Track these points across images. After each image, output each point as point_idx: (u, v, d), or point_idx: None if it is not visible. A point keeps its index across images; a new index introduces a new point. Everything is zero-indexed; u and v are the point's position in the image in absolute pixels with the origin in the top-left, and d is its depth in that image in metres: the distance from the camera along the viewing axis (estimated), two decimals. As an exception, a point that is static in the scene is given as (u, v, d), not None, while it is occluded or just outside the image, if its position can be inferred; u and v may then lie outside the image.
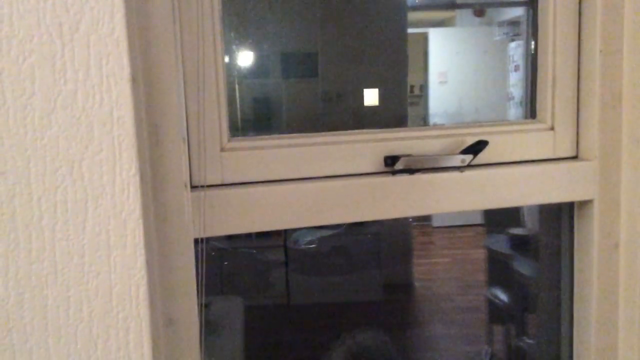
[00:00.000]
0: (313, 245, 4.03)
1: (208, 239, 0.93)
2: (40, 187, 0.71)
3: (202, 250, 0.89)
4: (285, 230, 4.03)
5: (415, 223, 3.97)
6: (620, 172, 1.05)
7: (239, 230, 0.91)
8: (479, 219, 3.21)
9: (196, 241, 0.89)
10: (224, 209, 0.90)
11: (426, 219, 4.02)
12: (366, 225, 3.98)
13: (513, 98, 4.04)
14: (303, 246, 4.04)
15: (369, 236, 4.00)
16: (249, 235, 3.62)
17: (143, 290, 0.75)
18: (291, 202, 0.93)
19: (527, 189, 1.02)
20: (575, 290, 1.17)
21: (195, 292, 0.89)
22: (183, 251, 0.87)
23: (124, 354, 0.76)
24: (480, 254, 3.22)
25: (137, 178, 0.73)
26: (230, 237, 3.49)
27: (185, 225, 0.86)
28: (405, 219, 4.11)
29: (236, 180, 0.92)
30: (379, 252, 3.82)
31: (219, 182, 0.92)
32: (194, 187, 0.90)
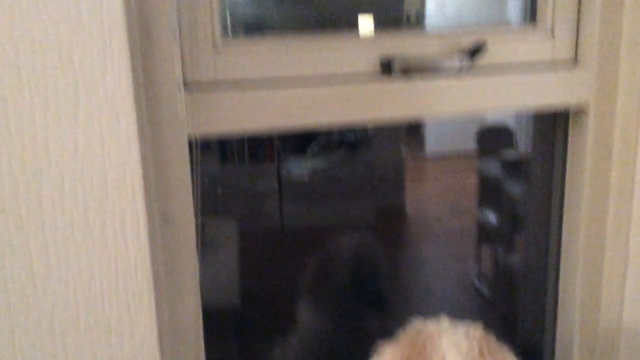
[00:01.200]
0: (306, 175, 4.05)
1: (202, 148, 0.92)
2: (30, 75, 0.70)
3: (196, 149, 0.89)
4: (279, 160, 4.04)
5: (408, 151, 3.98)
6: (617, 78, 1.04)
7: (233, 130, 0.91)
8: (472, 147, 3.21)
9: (190, 141, 0.88)
10: (217, 109, 0.89)
11: (419, 146, 4.01)
12: (359, 154, 3.99)
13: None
14: (296, 175, 4.06)
15: (362, 165, 4.02)
16: (241, 161, 3.63)
17: (138, 180, 0.75)
18: (286, 103, 0.92)
19: (524, 94, 1.02)
20: (566, 199, 1.18)
21: (191, 190, 0.90)
22: (177, 149, 0.87)
23: (121, 244, 0.77)
24: (472, 182, 3.25)
25: (129, 67, 0.72)
26: (223, 161, 3.49)
27: (179, 124, 0.86)
28: (398, 148, 4.12)
29: (230, 80, 0.91)
30: (372, 180, 3.85)
31: (212, 81, 0.90)
32: (187, 86, 0.89)
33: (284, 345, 1.57)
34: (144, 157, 0.76)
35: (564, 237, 1.21)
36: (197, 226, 0.91)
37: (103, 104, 0.72)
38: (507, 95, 1.01)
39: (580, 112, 1.08)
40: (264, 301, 2.19)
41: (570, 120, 1.12)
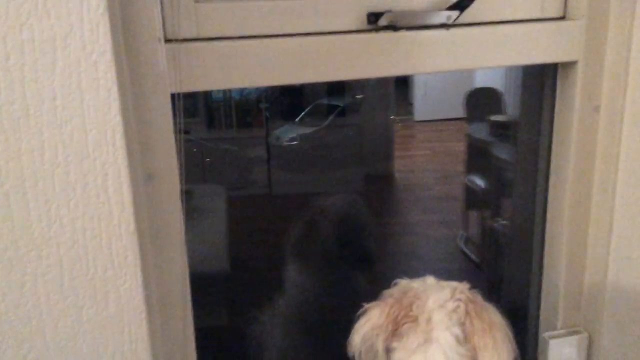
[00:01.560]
0: (295, 142, 4.03)
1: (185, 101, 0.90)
2: (5, 27, 0.68)
3: (179, 104, 0.87)
4: (267, 127, 4.01)
5: (397, 117, 3.96)
6: (606, 33, 1.03)
7: (215, 85, 0.89)
8: (460, 113, 3.20)
9: (172, 96, 0.87)
10: (199, 64, 0.87)
11: (408, 112, 4.01)
12: (348, 121, 3.97)
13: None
14: (285, 143, 4.05)
15: (350, 132, 4.01)
16: (229, 126, 3.61)
17: (119, 136, 0.74)
18: (270, 57, 0.90)
19: (512, 49, 1.00)
20: (553, 157, 1.18)
21: (175, 147, 0.88)
22: (160, 105, 0.85)
23: (104, 201, 0.76)
24: (461, 147, 3.25)
25: (107, 17, 0.70)
26: (210, 126, 3.47)
27: (160, 78, 0.84)
28: (387, 113, 4.11)
29: (211, 35, 0.89)
30: (360, 147, 3.85)
31: (194, 36, 0.88)
32: (168, 42, 0.87)
33: (272, 307, 1.58)
34: (124, 112, 0.74)
35: (550, 195, 1.21)
36: (181, 184, 0.90)
37: (81, 56, 0.70)
38: (495, 51, 1.00)
39: (568, 67, 1.07)
40: (252, 265, 2.20)
41: (559, 77, 1.11)
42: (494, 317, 0.82)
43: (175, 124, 0.88)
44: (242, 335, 1.62)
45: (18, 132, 0.70)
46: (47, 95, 0.70)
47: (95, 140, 0.73)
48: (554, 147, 1.16)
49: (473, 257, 2.46)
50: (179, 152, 0.89)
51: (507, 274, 1.67)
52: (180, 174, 0.90)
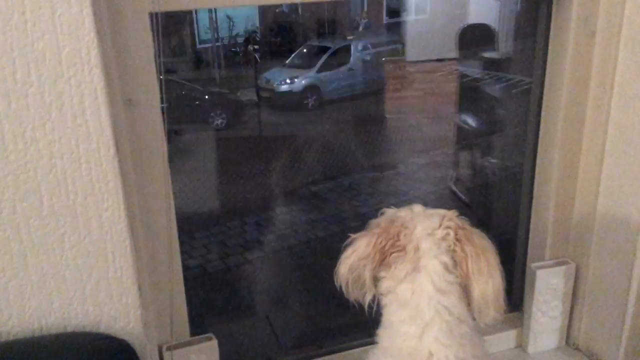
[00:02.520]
0: (285, 86, 3.97)
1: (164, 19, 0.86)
2: None
3: (157, 25, 0.83)
4: (256, 70, 3.94)
5: (388, 58, 3.90)
6: (605, -47, 0.99)
7: (195, 4, 0.85)
8: (453, 53, 3.15)
9: (151, 17, 0.82)
10: (180, -18, 0.83)
11: (399, 53, 3.93)
12: (339, 64, 3.91)
13: None
14: (275, 87, 3.98)
15: (341, 74, 3.95)
16: (218, 68, 3.53)
17: (94, 53, 0.70)
18: (254, -24, 0.86)
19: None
20: (546, 85, 1.15)
21: (155, 71, 0.85)
22: (137, 25, 0.81)
23: (82, 125, 0.73)
24: (452, 87, 3.21)
25: None
26: (198, 69, 3.40)
27: (138, -4, 0.80)
28: (378, 55, 4.03)
29: (192, -50, 0.84)
30: (352, 88, 3.79)
31: (173, -49, 0.83)
32: (145, -43, 0.82)
33: (260, 243, 1.58)
34: (100, 29, 0.70)
35: (542, 126, 1.19)
36: (163, 110, 0.87)
37: (49, -35, 0.65)
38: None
39: (565, -9, 1.04)
40: (242, 205, 2.19)
41: (554, 2, 1.07)
42: (485, 242, 0.81)
43: (154, 46, 0.84)
44: (232, 273, 1.63)
45: (-14, 48, 0.67)
46: (16, 9, 0.66)
47: (69, 58, 0.69)
48: (547, 74, 1.14)
49: (463, 196, 2.46)
50: (159, 76, 0.86)
51: (496, 209, 1.67)
52: (161, 100, 0.87)
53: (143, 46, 0.82)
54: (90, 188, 0.76)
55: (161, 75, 0.85)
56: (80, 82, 0.71)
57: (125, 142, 0.82)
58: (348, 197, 1.60)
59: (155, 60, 0.84)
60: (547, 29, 1.12)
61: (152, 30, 0.83)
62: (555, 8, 1.08)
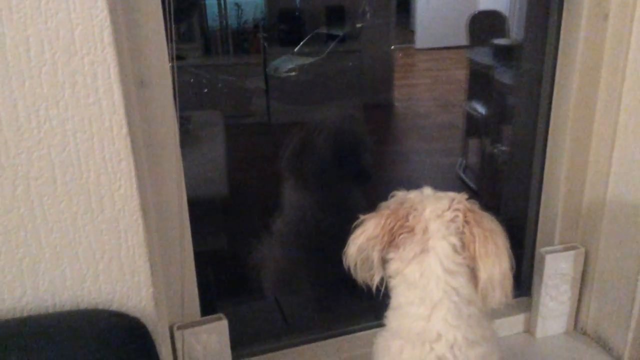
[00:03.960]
0: (293, 73, 3.96)
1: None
2: None
3: (169, 8, 0.83)
4: (265, 58, 3.92)
5: (397, 46, 3.87)
6: None
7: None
8: (462, 41, 3.12)
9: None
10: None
11: (409, 40, 3.91)
12: (347, 50, 3.88)
13: None
14: (283, 74, 3.97)
15: (350, 61, 3.93)
16: (227, 55, 3.52)
17: (107, 32, 0.70)
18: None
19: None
20: (558, 70, 1.15)
21: (167, 54, 0.85)
22: (150, 7, 0.82)
23: (94, 104, 0.74)
24: (462, 75, 3.19)
25: None
26: (206, 56, 3.39)
27: (150, -24, 0.80)
28: (387, 42, 4.01)
29: None
30: (360, 76, 3.77)
31: None
32: (157, -63, 0.82)
33: (271, 227, 1.58)
34: (112, 7, 0.71)
35: (553, 110, 1.19)
36: (174, 90, 0.87)
37: (63, -57, 0.66)
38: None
39: (578, -27, 1.03)
40: (252, 191, 2.20)
41: (567, -17, 1.06)
42: (493, 225, 0.81)
43: (166, 29, 0.84)
44: (242, 256, 1.64)
45: (1, 27, 0.67)
46: (30, -13, 0.66)
47: (82, 36, 0.70)
48: (559, 59, 1.13)
49: (471, 184, 2.46)
50: (171, 58, 0.86)
51: (505, 195, 1.67)
52: (173, 82, 0.88)
53: (155, 28, 0.83)
54: (103, 166, 0.76)
55: (173, 58, 0.85)
56: (93, 60, 0.71)
57: (137, 122, 0.82)
58: (357, 182, 1.60)
59: (167, 43, 0.85)
60: (559, 13, 1.11)
61: (164, 12, 0.83)
62: (568, -9, 1.07)
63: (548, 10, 1.19)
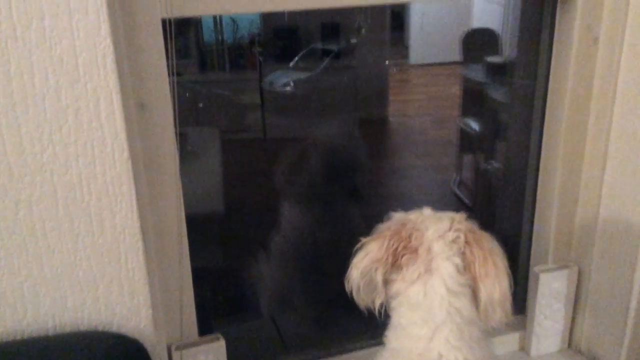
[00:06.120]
0: (289, 88, 3.98)
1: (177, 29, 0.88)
2: (-14, -59, 0.65)
3: (170, 31, 0.85)
4: (260, 72, 3.94)
5: (391, 61, 3.91)
6: (608, -39, 1.00)
7: (206, 10, 0.87)
8: (456, 57, 3.16)
9: (164, 23, 0.84)
10: (192, -11, 0.84)
11: (403, 56, 3.95)
12: (342, 66, 3.91)
13: None
14: (279, 88, 3.99)
15: (345, 76, 3.95)
16: (222, 70, 3.55)
17: (110, 59, 0.72)
18: (264, -17, 0.87)
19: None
20: (550, 91, 1.17)
21: (167, 76, 0.87)
22: (151, 30, 0.83)
23: (97, 129, 0.75)
24: (456, 91, 3.22)
25: None
26: (202, 71, 3.41)
27: (151, 3, 0.81)
28: (382, 58, 4.04)
29: (204, -42, 0.86)
30: (355, 91, 3.80)
31: (185, -41, 0.85)
32: (158, -36, 0.84)
33: (267, 246, 1.59)
34: (115, 34, 0.72)
35: (545, 130, 1.21)
36: (174, 114, 0.89)
37: (68, -26, 0.67)
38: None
39: (569, -1, 1.05)
40: (247, 207, 2.21)
41: (558, 7, 1.08)
42: (493, 245, 0.82)
43: (166, 51, 0.86)
44: (239, 273, 1.64)
45: (6, 54, 0.68)
46: (35, 15, 0.68)
47: (85, 63, 0.71)
48: (551, 80, 1.15)
49: (466, 200, 2.48)
50: (171, 81, 0.88)
51: (498, 214, 1.69)
52: (173, 104, 0.89)
53: (156, 51, 0.84)
54: (104, 190, 0.77)
55: (173, 79, 0.87)
56: (96, 86, 0.72)
57: (138, 144, 0.84)
58: (352, 199, 1.61)
59: (168, 65, 0.86)
60: (551, 35, 1.14)
61: (165, 35, 0.84)
62: (559, 15, 1.09)
63: (540, 30, 1.21)
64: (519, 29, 1.47)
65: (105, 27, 0.70)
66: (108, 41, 0.71)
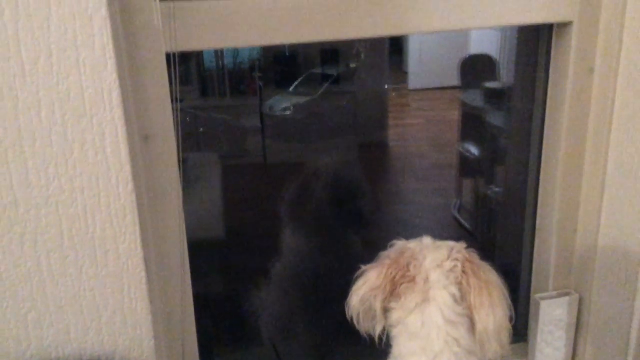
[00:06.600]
0: (289, 112, 4.01)
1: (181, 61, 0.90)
2: (-3, -18, 0.67)
3: (174, 65, 0.86)
4: (261, 97, 3.98)
5: (391, 86, 3.94)
6: (602, -6, 1.02)
7: (210, 44, 0.89)
8: (455, 82, 3.19)
9: (168, 57, 0.86)
10: (194, 23, 0.86)
11: (402, 81, 3.98)
12: (342, 91, 3.95)
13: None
14: (279, 113, 4.02)
15: (344, 101, 3.99)
16: (223, 95, 3.58)
17: (116, 94, 0.73)
18: (264, 16, 0.89)
19: (507, 9, 1.00)
20: (547, 119, 1.18)
21: (171, 108, 0.88)
22: (155, 65, 0.84)
23: (102, 161, 0.76)
24: (455, 115, 3.24)
25: (102, -27, 0.69)
26: (203, 96, 3.44)
27: (155, 38, 0.83)
28: (381, 82, 4.08)
29: (208, -6, 0.88)
30: (354, 116, 3.83)
31: (189, -5, 0.87)
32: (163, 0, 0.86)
33: (269, 272, 1.59)
34: (121, 70, 0.74)
35: (543, 158, 1.22)
36: (178, 145, 0.90)
37: (76, 12, 0.69)
38: (490, 11, 0.99)
39: (563, 28, 1.07)
40: (247, 233, 2.21)
41: (554, 38, 1.10)
42: (491, 276, 0.83)
43: (170, 84, 0.87)
44: (240, 301, 1.64)
45: (14, 89, 0.70)
46: (43, 52, 0.69)
47: (92, 98, 0.73)
48: (548, 109, 1.17)
49: (466, 224, 2.48)
50: (175, 113, 0.89)
51: (499, 239, 1.69)
52: (177, 135, 0.90)
53: (160, 85, 0.86)
54: (109, 221, 0.78)
55: (177, 112, 0.88)
56: (101, 121, 0.74)
57: (141, 176, 0.85)
58: (354, 224, 1.62)
59: (172, 98, 0.88)
60: (547, 64, 1.16)
61: (169, 69, 0.86)
62: (554, 45, 1.12)
63: (536, 58, 1.23)
64: (516, 57, 1.50)
65: (111, 63, 0.72)
66: (114, 76, 0.73)
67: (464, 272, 0.80)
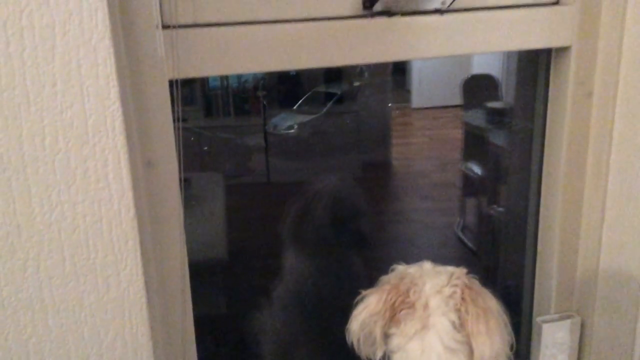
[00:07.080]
0: (292, 131, 4.03)
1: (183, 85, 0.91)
2: (3, 11, 0.68)
3: (176, 91, 0.88)
4: (264, 116, 4.00)
5: (394, 105, 3.97)
6: (599, 19, 1.03)
7: (213, 71, 0.90)
8: (457, 101, 3.21)
9: (171, 83, 0.87)
10: (197, 50, 0.88)
11: (405, 100, 4.01)
12: (345, 109, 3.97)
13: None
14: (282, 131, 4.04)
15: (348, 119, 4.01)
16: (227, 114, 3.60)
17: (119, 122, 0.74)
18: (266, 43, 0.91)
19: (506, 34, 1.01)
20: (547, 142, 1.19)
21: (173, 135, 0.89)
22: (158, 92, 0.86)
23: (104, 188, 0.77)
24: (457, 134, 3.25)
25: (105, 3, 0.70)
26: (207, 114, 3.47)
27: (158, 64, 0.85)
28: (384, 101, 4.10)
29: (209, 21, 0.89)
30: (358, 135, 3.84)
31: (191, 22, 0.89)
32: (165, 27, 0.87)
33: (270, 294, 1.59)
34: (124, 98, 0.75)
35: (543, 181, 1.22)
36: (180, 171, 0.91)
37: (80, 42, 0.70)
38: (489, 36, 1.01)
39: (562, 53, 1.08)
40: (251, 254, 2.21)
41: (552, 62, 1.11)
42: (490, 303, 0.82)
43: (173, 111, 0.89)
44: (241, 323, 1.64)
45: (19, 118, 0.71)
46: (47, 81, 0.71)
47: (95, 126, 0.74)
48: (547, 132, 1.18)
49: (470, 244, 2.48)
50: (177, 139, 0.90)
51: (502, 260, 1.69)
52: (179, 161, 0.91)
53: (162, 111, 0.87)
54: (110, 247, 0.79)
55: (179, 139, 0.89)
56: (104, 148, 0.75)
57: (143, 202, 0.86)
58: (357, 245, 1.62)
59: (174, 124, 0.89)
60: (547, 86, 1.16)
61: (172, 95, 0.87)
62: (553, 68, 1.13)
63: (536, 79, 1.24)
64: (517, 78, 1.51)
65: (114, 92, 0.73)
66: (117, 105, 0.74)
67: (462, 298, 0.80)
